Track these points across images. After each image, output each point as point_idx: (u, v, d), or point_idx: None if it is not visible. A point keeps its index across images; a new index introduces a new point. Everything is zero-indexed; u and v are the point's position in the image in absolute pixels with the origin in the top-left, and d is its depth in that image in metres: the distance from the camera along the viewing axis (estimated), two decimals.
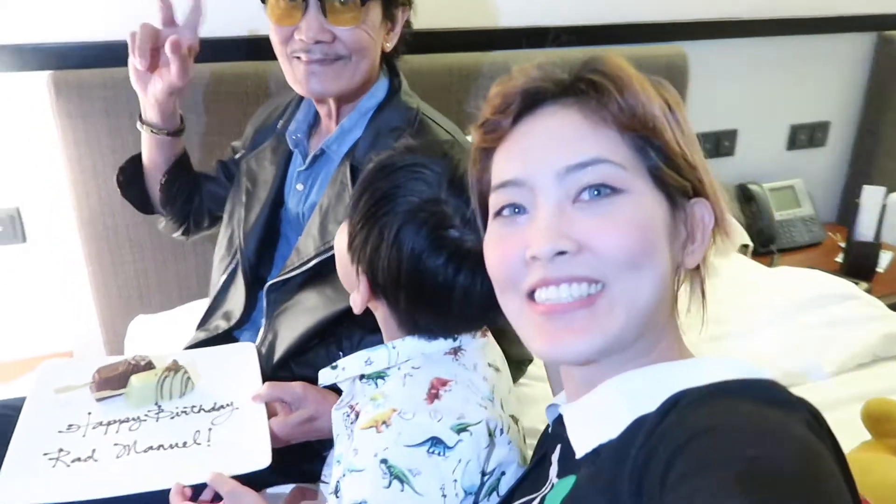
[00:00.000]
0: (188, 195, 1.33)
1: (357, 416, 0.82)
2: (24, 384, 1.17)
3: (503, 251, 0.62)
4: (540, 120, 0.62)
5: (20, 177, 1.53)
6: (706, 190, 0.62)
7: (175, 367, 1.02)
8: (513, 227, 0.61)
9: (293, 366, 1.10)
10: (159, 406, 1.00)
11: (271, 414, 1.00)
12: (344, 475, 0.72)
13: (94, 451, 0.92)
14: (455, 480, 0.71)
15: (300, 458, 1.03)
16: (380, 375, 0.82)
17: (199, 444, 0.94)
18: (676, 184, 0.60)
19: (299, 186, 1.20)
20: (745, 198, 2.19)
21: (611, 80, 0.59)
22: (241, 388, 1.03)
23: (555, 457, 0.66)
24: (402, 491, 0.69)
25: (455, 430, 0.72)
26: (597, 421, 0.60)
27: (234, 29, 1.54)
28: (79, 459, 0.90)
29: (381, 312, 0.84)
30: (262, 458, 0.90)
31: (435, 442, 0.71)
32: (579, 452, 0.61)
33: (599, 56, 0.62)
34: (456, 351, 0.81)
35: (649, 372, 0.60)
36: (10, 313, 1.61)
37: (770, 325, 1.51)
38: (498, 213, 0.63)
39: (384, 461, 0.70)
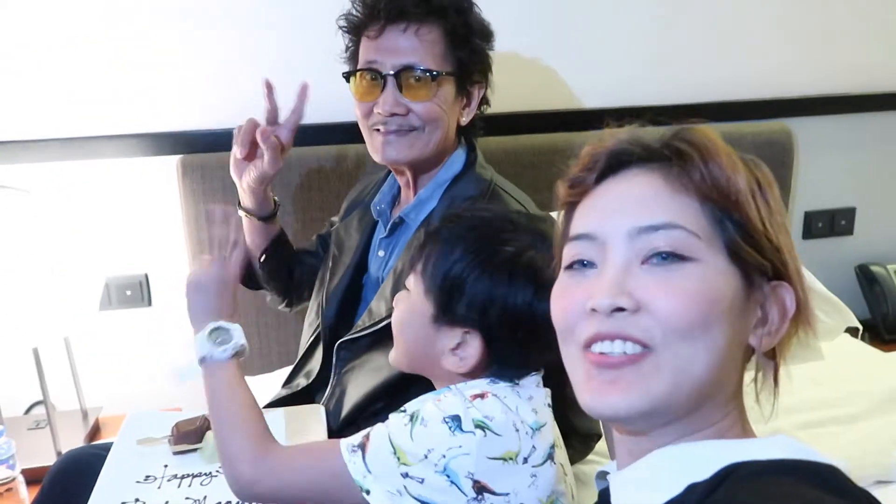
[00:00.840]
0: (288, 271, 1.44)
1: None
2: None
3: (567, 301, 0.63)
4: (622, 181, 0.63)
5: (149, 247, 1.72)
6: (790, 274, 0.61)
7: None
8: (579, 279, 0.63)
9: (361, 423, 1.13)
10: None
11: None
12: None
13: (166, 503, 0.98)
14: (444, 456, 0.76)
15: None
16: None
17: None
18: (754, 262, 0.59)
19: (381, 253, 1.27)
20: (867, 279, 2.04)
21: (696, 149, 0.60)
22: None
23: None
24: (405, 425, 0.80)
25: (475, 422, 0.77)
26: (644, 487, 0.59)
27: (336, 115, 1.68)
28: None
29: (463, 362, 0.88)
30: None
31: (454, 418, 0.77)
32: None
33: (690, 126, 0.63)
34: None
35: (704, 444, 0.59)
36: (131, 370, 1.77)
37: (876, 414, 1.37)
38: (569, 266, 0.65)
39: (414, 412, 0.81)
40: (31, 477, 1.39)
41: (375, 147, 1.20)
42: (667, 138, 0.63)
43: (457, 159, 1.25)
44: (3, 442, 1.33)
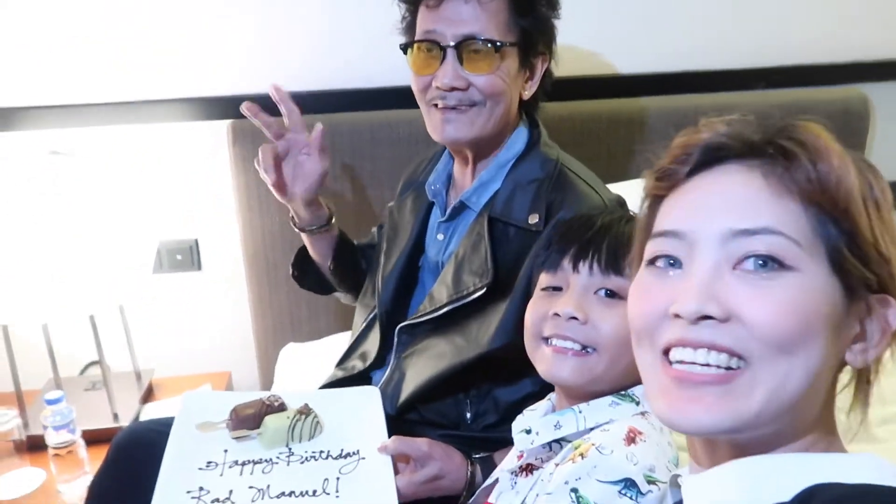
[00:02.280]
0: (354, 268, 1.41)
1: (526, 473, 0.87)
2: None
3: (647, 301, 0.59)
4: (717, 176, 0.58)
5: (199, 212, 1.72)
6: (895, 288, 0.56)
7: (306, 411, 1.07)
8: (663, 279, 0.58)
9: (420, 409, 1.12)
10: (290, 449, 1.05)
11: (395, 467, 1.02)
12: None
13: (231, 492, 0.97)
14: None
15: None
16: (565, 440, 0.85)
17: (328, 493, 0.97)
18: (859, 274, 0.54)
19: (440, 236, 1.23)
20: None
21: (804, 148, 0.55)
22: (366, 435, 1.06)
23: None
24: None
25: (647, 479, 0.72)
26: (720, 500, 0.56)
27: (390, 80, 1.62)
28: (217, 500, 0.96)
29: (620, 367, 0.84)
30: None
31: (629, 484, 0.72)
32: None
33: (798, 122, 0.58)
34: (643, 414, 0.82)
35: (786, 459, 0.55)
36: (182, 334, 1.79)
37: None
38: (651, 262, 0.60)
39: (574, 490, 0.73)
40: (90, 438, 1.42)
41: (434, 125, 1.14)
42: (771, 134, 0.57)
43: (518, 138, 1.18)
44: (64, 408, 1.36)
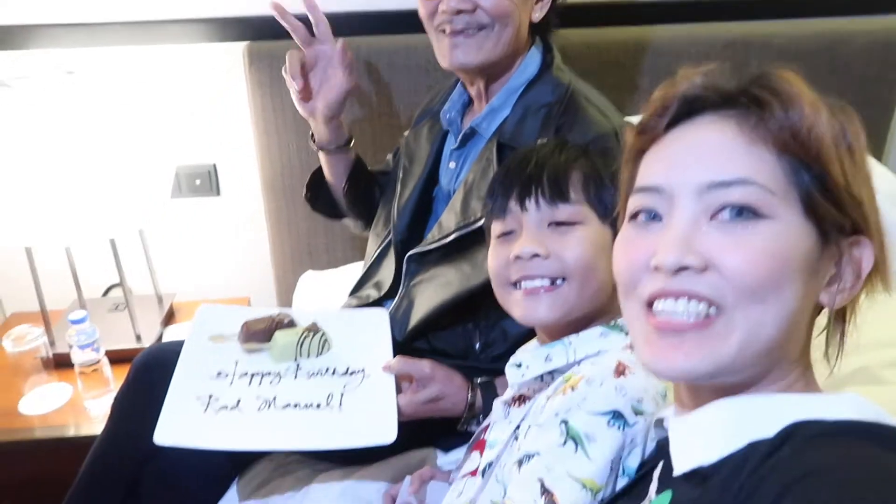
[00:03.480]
0: (368, 194, 1.40)
1: (519, 403, 0.88)
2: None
3: (630, 255, 0.61)
4: (694, 128, 0.60)
5: (217, 137, 1.70)
6: (870, 229, 0.58)
7: (314, 329, 1.10)
8: (644, 233, 0.60)
9: (430, 338, 1.14)
10: (298, 364, 1.08)
11: (398, 387, 1.04)
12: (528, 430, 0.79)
13: (238, 401, 1.01)
14: (621, 458, 0.73)
15: (425, 428, 1.07)
16: (557, 372, 0.86)
17: (331, 407, 1.00)
18: (832, 218, 0.56)
19: (452, 164, 1.22)
20: None
21: (776, 96, 0.56)
22: (372, 355, 1.08)
23: (656, 473, 0.63)
24: (575, 453, 0.73)
25: (634, 410, 0.74)
26: (704, 440, 0.58)
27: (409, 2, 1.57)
28: (225, 407, 1.00)
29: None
30: (388, 434, 0.95)
31: (616, 415, 0.73)
32: (678, 469, 0.58)
33: (772, 70, 0.59)
34: (632, 347, 0.81)
35: (768, 399, 0.57)
36: (202, 259, 1.81)
37: None
38: (633, 217, 0.62)
39: (564, 422, 0.74)
40: (114, 358, 1.46)
41: (442, 51, 1.13)
42: (745, 84, 0.59)
43: (531, 62, 1.16)
44: (88, 327, 1.39)
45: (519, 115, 1.13)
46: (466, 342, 1.13)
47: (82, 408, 1.42)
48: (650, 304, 0.58)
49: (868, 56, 1.67)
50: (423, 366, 1.03)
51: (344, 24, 1.56)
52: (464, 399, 1.05)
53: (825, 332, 0.62)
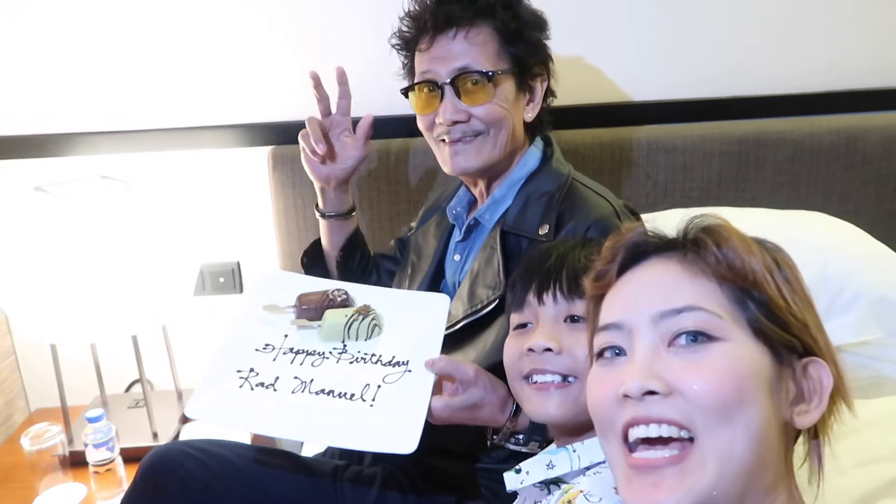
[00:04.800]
0: (364, 270, 1.42)
1: None
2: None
3: (600, 391, 0.64)
4: (642, 270, 0.67)
5: (241, 236, 1.75)
6: (820, 349, 0.62)
7: (365, 312, 1.08)
8: (610, 368, 0.65)
9: (440, 427, 1.11)
10: (345, 345, 1.07)
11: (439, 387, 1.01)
12: None
13: (276, 378, 1.02)
14: None
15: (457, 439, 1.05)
16: (561, 481, 0.83)
17: (364, 400, 0.99)
18: (779, 338, 0.60)
19: (456, 257, 1.24)
20: None
21: (709, 235, 0.64)
22: (420, 346, 1.05)
23: None
24: None
25: None
26: None
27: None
28: (262, 384, 1.02)
29: None
30: (408, 445, 0.92)
31: None
32: None
33: (704, 216, 0.67)
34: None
35: None
36: None
37: None
38: (600, 355, 0.67)
39: None
40: (129, 456, 1.46)
41: (444, 159, 1.18)
42: (682, 229, 0.67)
43: (531, 157, 1.21)
44: (104, 426, 1.40)
45: (521, 204, 1.16)
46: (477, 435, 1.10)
47: None
48: (626, 439, 0.61)
49: (886, 150, 1.66)
50: (467, 369, 0.99)
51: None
52: (506, 411, 1.00)
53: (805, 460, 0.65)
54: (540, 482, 0.84)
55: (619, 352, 0.64)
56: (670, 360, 0.60)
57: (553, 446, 0.92)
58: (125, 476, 1.43)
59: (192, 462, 1.06)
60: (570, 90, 1.35)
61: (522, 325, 0.90)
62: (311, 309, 1.10)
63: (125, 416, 1.65)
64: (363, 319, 1.07)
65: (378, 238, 1.66)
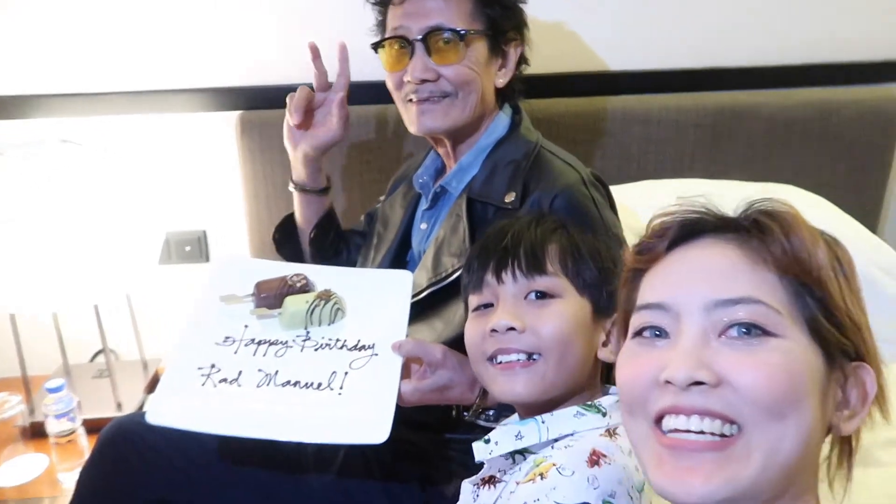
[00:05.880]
0: (336, 249, 1.40)
1: (489, 485, 0.85)
2: None
3: (636, 369, 0.60)
4: (695, 249, 0.61)
5: (207, 204, 1.71)
6: (870, 356, 0.59)
7: (327, 296, 1.05)
8: (650, 349, 0.60)
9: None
10: (308, 332, 1.04)
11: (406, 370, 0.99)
12: None
13: (239, 373, 0.98)
14: None
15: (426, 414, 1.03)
16: (528, 452, 0.83)
17: (332, 388, 0.97)
18: (835, 340, 0.57)
19: (423, 226, 1.23)
20: None
21: (776, 221, 0.59)
22: (385, 327, 1.02)
23: None
24: None
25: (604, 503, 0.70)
26: None
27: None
28: (225, 381, 0.97)
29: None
30: (380, 434, 0.91)
31: None
32: None
33: (770, 199, 0.62)
34: (611, 433, 0.79)
35: None
36: None
37: None
38: (638, 333, 0.62)
39: None
40: (94, 427, 1.43)
41: (411, 118, 1.15)
42: (745, 210, 0.61)
43: (499, 123, 1.18)
44: (65, 395, 1.37)
45: (487, 171, 1.14)
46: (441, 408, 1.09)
47: (56, 480, 1.38)
48: (658, 421, 0.57)
49: (859, 124, 1.67)
50: (435, 351, 0.98)
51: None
52: (475, 390, 1.00)
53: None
54: (507, 453, 0.83)
55: (659, 333, 0.60)
56: (720, 349, 0.56)
57: (515, 416, 0.91)
58: (87, 447, 1.41)
59: (153, 435, 1.04)
60: (545, 58, 1.32)
61: (483, 306, 0.88)
62: (270, 296, 1.06)
63: (89, 387, 1.62)
64: (325, 304, 1.04)
65: (350, 208, 1.63)
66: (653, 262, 0.64)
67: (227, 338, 1.03)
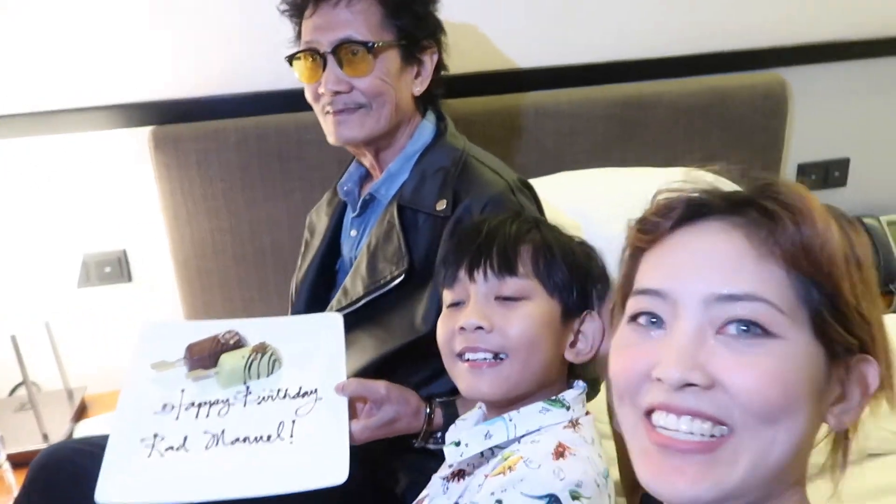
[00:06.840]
0: None
1: (458, 479, 0.87)
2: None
3: (629, 360, 0.58)
4: (700, 233, 0.58)
5: (126, 222, 1.67)
6: (877, 349, 0.56)
7: (262, 349, 1.04)
8: (645, 338, 0.58)
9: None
10: (248, 387, 1.03)
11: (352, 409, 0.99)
12: None
13: (185, 438, 0.96)
14: None
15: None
16: (497, 447, 0.85)
17: (282, 438, 0.96)
18: (841, 339, 0.54)
19: (353, 233, 1.24)
20: None
21: (786, 209, 0.54)
22: (325, 371, 1.03)
23: None
24: None
25: (571, 495, 0.73)
26: None
27: None
28: (171, 448, 0.95)
29: (587, 346, 0.90)
30: (339, 475, 0.91)
31: (553, 500, 0.72)
32: None
33: (782, 182, 0.57)
34: (574, 424, 0.83)
35: None
36: (115, 348, 1.74)
37: None
38: (633, 319, 0.59)
39: (499, 502, 0.74)
40: (20, 461, 1.37)
41: (329, 129, 1.16)
42: (753, 193, 0.57)
43: (424, 130, 1.20)
44: None
45: (417, 179, 1.16)
46: None
47: None
48: (648, 413, 0.56)
49: (752, 107, 1.79)
50: (378, 387, 0.99)
51: (253, 105, 1.60)
52: (421, 420, 1.02)
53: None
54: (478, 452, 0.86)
55: (655, 320, 0.57)
56: (716, 349, 0.53)
57: (478, 412, 0.94)
58: (15, 483, 1.35)
59: (84, 458, 1.02)
60: (459, 58, 1.36)
61: (456, 304, 0.90)
62: (204, 358, 1.04)
63: (12, 421, 1.55)
64: (262, 357, 1.03)
65: (271, 217, 1.63)
66: (655, 241, 0.60)
67: (165, 405, 1.01)
